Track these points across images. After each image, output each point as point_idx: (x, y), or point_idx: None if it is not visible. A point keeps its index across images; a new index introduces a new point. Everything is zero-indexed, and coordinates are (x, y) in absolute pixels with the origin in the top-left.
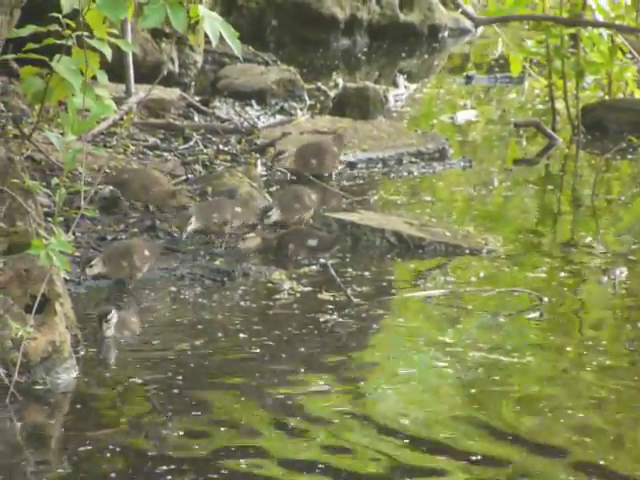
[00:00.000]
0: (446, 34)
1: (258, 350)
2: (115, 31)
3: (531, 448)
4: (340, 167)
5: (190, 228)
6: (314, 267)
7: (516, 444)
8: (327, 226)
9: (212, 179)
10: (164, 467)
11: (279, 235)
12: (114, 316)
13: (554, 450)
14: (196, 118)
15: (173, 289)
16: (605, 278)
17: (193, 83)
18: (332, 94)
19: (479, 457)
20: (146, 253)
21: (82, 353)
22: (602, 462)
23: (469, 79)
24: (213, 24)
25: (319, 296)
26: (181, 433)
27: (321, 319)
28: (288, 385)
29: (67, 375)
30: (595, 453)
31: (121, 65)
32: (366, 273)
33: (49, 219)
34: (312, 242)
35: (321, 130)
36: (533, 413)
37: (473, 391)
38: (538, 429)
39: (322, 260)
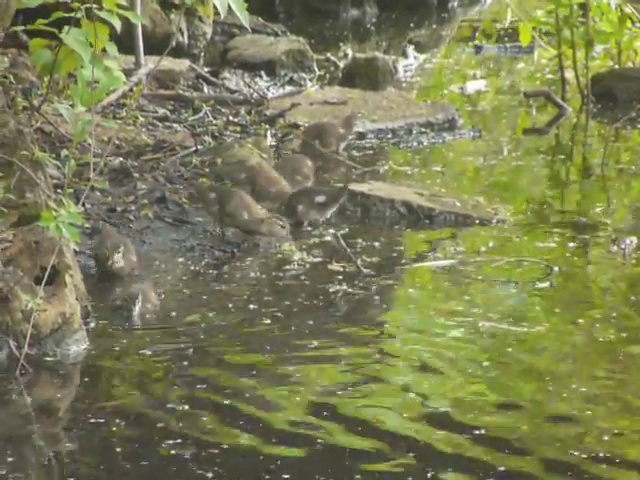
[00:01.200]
0: (455, 4)
1: (268, 321)
2: (124, 2)
3: (540, 418)
4: (346, 142)
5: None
6: (324, 238)
7: (524, 414)
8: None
9: (222, 150)
10: (171, 440)
11: (286, 199)
12: (140, 299)
13: (564, 420)
14: (205, 89)
15: (183, 260)
16: (615, 247)
17: (202, 54)
18: (341, 65)
19: (487, 429)
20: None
21: (92, 325)
22: (615, 429)
23: (478, 49)
24: None
25: (329, 267)
26: (189, 406)
27: (331, 290)
28: (298, 356)
29: (77, 347)
30: (605, 421)
31: (130, 37)
32: (376, 243)
33: (59, 191)
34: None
35: (330, 101)
36: (542, 382)
37: (483, 361)
38: (547, 399)
39: (332, 230)
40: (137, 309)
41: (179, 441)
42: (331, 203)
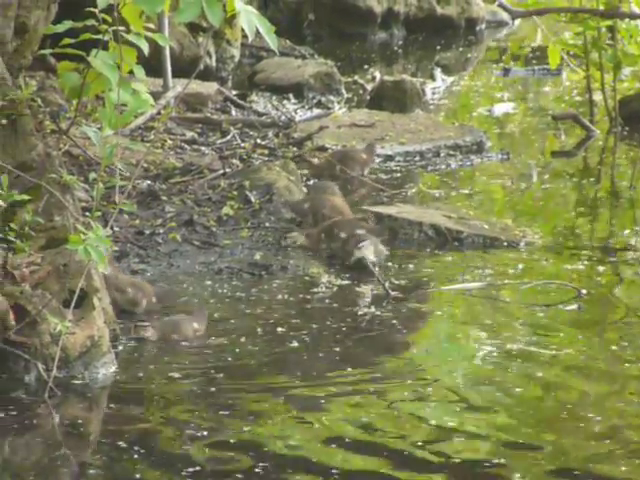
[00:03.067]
0: (483, 27)
1: (296, 344)
2: (152, 25)
3: (568, 437)
4: (369, 168)
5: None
6: (352, 260)
7: (552, 434)
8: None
9: (249, 173)
10: (194, 467)
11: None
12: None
13: (595, 438)
14: (233, 112)
15: (210, 283)
16: None
17: (230, 77)
18: (369, 87)
19: (520, 446)
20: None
21: (120, 348)
22: None
23: (506, 71)
24: (250, 18)
25: (357, 289)
26: (215, 431)
27: (359, 312)
28: (326, 380)
29: (105, 370)
30: (634, 442)
31: (158, 59)
32: (404, 266)
33: (87, 214)
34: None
35: (358, 123)
36: (571, 404)
37: (510, 384)
38: (575, 420)
39: (360, 254)
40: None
41: (200, 468)
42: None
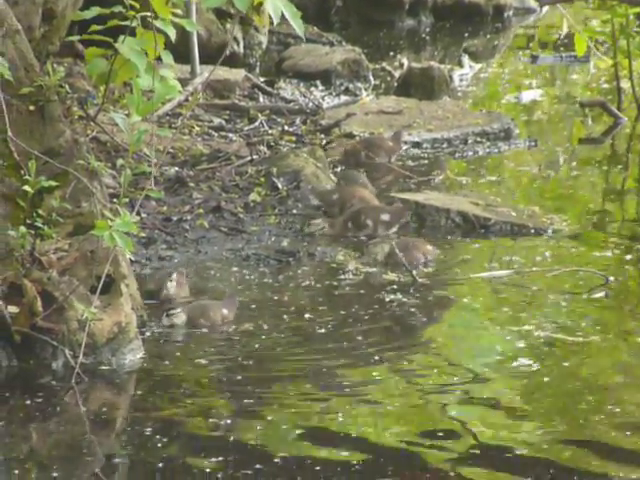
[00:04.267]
0: (511, 13)
1: (323, 330)
2: (179, 12)
3: (595, 428)
4: (396, 155)
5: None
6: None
7: (578, 424)
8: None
9: (277, 160)
10: (219, 457)
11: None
12: (180, 314)
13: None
14: (261, 99)
15: (238, 269)
16: None
17: (258, 64)
18: (397, 74)
19: (545, 433)
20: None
21: (148, 334)
22: None
23: (534, 58)
24: (276, 4)
25: (384, 276)
26: (240, 417)
27: (386, 299)
28: (354, 365)
29: (133, 356)
30: None
31: (186, 46)
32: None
33: (114, 200)
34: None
35: (386, 110)
36: (596, 393)
37: (539, 370)
38: (599, 408)
39: (387, 239)
40: (172, 320)
41: (224, 458)
42: (395, 222)
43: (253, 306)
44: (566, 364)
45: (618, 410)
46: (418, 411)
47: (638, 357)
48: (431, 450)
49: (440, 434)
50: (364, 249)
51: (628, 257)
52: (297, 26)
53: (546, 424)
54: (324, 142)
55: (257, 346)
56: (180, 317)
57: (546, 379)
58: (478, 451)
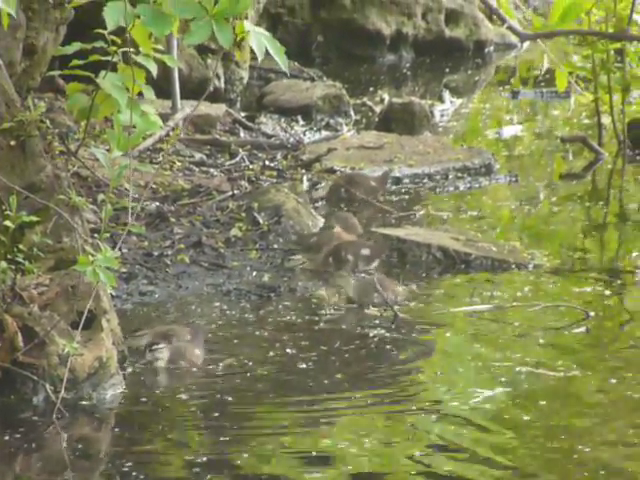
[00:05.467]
0: (492, 49)
1: (304, 365)
2: (161, 47)
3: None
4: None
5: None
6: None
7: (563, 458)
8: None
9: (258, 195)
10: None
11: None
12: (163, 350)
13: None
14: (242, 134)
15: (219, 304)
16: None
17: (239, 99)
18: (378, 109)
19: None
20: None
21: (129, 369)
22: None
23: (515, 94)
24: (259, 39)
25: (366, 311)
26: (223, 453)
27: (368, 334)
28: (335, 401)
29: (113, 391)
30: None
31: (167, 81)
32: (412, 288)
33: (95, 235)
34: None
35: (367, 145)
36: (580, 428)
37: (518, 406)
38: (582, 444)
39: (368, 275)
40: (156, 356)
41: None
42: (374, 258)
43: (235, 341)
44: (546, 399)
45: (588, 450)
46: (400, 445)
47: (619, 393)
48: None
49: (422, 464)
50: (331, 282)
51: (607, 292)
52: (282, 62)
53: (519, 459)
54: (312, 182)
55: (238, 381)
56: (163, 353)
57: (526, 413)
58: None
